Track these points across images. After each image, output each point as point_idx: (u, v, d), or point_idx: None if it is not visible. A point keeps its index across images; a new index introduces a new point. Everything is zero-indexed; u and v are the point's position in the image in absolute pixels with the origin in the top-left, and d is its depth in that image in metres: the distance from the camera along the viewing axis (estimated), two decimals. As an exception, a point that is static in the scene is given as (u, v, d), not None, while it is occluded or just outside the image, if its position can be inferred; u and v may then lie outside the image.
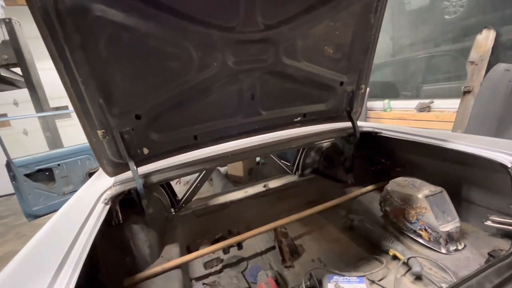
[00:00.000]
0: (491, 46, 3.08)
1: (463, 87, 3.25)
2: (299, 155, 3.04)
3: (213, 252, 2.05)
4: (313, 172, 3.00)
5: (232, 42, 1.58)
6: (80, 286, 0.89)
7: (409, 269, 1.59)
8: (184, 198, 2.74)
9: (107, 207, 1.50)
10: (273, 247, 2.00)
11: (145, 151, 1.75)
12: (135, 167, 1.66)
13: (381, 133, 2.29)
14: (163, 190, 2.46)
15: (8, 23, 4.48)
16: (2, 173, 4.29)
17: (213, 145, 1.96)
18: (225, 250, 2.06)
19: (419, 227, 1.77)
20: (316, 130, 2.29)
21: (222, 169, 5.10)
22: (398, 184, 1.94)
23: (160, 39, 1.42)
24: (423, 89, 5.23)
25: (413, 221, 1.80)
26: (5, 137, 5.27)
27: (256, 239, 2.18)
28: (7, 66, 4.46)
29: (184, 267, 1.82)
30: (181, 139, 1.85)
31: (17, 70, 4.78)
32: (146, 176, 1.77)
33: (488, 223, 1.69)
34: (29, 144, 7.40)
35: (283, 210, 2.41)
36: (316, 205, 2.24)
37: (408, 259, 1.61)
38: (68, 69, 1.25)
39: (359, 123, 2.41)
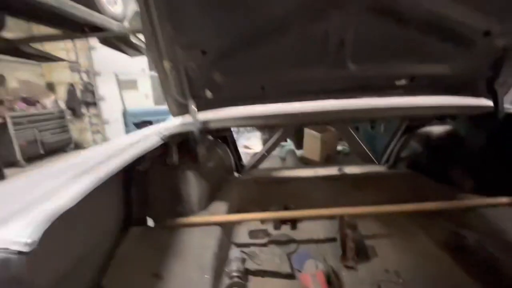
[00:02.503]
0: None
1: None
2: (394, 142, 2.36)
3: (262, 221, 1.81)
4: (410, 166, 2.29)
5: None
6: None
7: None
8: (249, 164, 2.59)
9: (160, 142, 1.45)
10: (334, 239, 1.58)
11: (208, 93, 1.62)
12: (194, 107, 1.56)
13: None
14: (228, 150, 2.37)
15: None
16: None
17: (282, 101, 1.66)
18: (276, 225, 1.79)
19: None
20: (426, 103, 1.65)
21: (298, 152, 4.77)
22: None
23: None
24: None
25: None
26: (132, 98, 6.60)
27: (315, 224, 1.80)
28: (134, 33, 5.35)
29: (227, 228, 1.66)
30: (246, 88, 1.62)
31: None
32: (205, 122, 1.65)
33: None
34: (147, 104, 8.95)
35: (357, 202, 1.90)
36: (408, 204, 1.65)
37: None
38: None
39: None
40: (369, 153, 2.60)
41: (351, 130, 2.39)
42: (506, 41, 1.44)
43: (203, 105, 1.67)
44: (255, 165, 2.59)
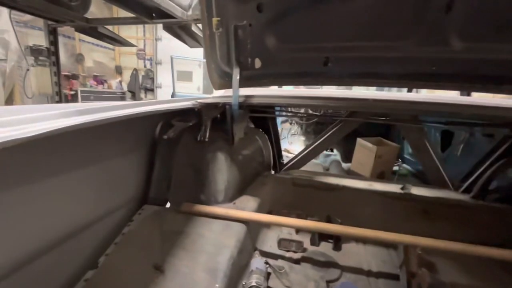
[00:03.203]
0: None
1: None
2: (485, 166, 1.79)
3: (297, 231, 1.46)
4: (506, 200, 1.69)
5: None
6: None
7: None
8: (290, 162, 2.25)
9: (191, 107, 1.23)
10: (396, 277, 1.15)
11: (257, 63, 1.35)
12: (238, 75, 1.30)
13: None
14: (268, 143, 2.07)
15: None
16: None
17: (349, 83, 1.30)
18: (314, 240, 1.41)
19: None
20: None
21: (344, 165, 4.23)
22: None
23: None
24: None
25: None
26: (186, 88, 6.90)
27: (365, 249, 1.38)
28: (196, 22, 5.47)
29: (253, 230, 1.35)
30: (305, 60, 1.31)
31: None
32: (248, 96, 1.38)
33: None
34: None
35: (427, 234, 1.41)
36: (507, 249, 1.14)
37: None
38: None
39: None
40: (442, 173, 2.03)
41: (427, 143, 1.88)
42: None
43: (250, 79, 1.41)
44: (295, 165, 2.23)
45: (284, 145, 5.47)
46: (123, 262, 1.01)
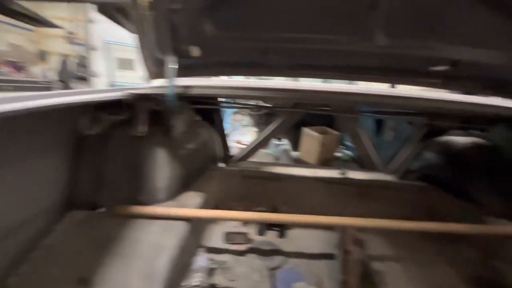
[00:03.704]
0: None
1: None
2: (408, 149, 2.04)
3: (243, 222, 1.46)
4: (424, 178, 1.96)
5: None
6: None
7: None
8: (238, 155, 2.24)
9: (120, 98, 1.11)
10: (332, 256, 1.24)
11: (196, 51, 1.27)
12: (175, 64, 1.21)
13: None
14: (213, 135, 2.01)
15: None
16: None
17: (287, 74, 1.32)
18: (261, 230, 1.44)
19: None
20: (461, 98, 1.33)
21: (293, 154, 4.43)
22: None
23: None
24: None
25: None
26: (127, 78, 6.29)
27: (309, 233, 1.46)
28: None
29: (197, 227, 1.30)
30: (244, 49, 1.28)
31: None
32: (186, 87, 1.30)
33: None
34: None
35: (362, 213, 1.56)
36: (425, 222, 1.32)
37: None
38: None
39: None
40: (373, 158, 2.26)
41: (359, 131, 2.06)
42: None
43: (189, 68, 1.32)
44: (244, 157, 2.23)
45: (236, 136, 5.45)
46: (39, 282, 0.87)
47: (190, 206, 1.33)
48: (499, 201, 1.55)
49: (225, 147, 2.20)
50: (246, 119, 5.63)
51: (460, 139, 1.84)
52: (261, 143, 2.26)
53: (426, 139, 1.99)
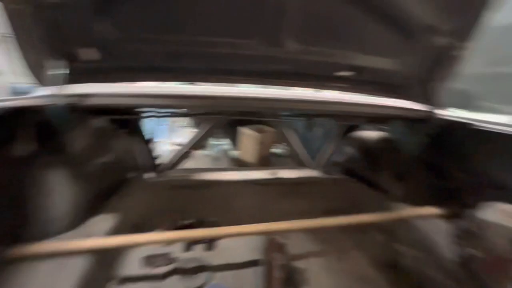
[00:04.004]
0: None
1: None
2: (330, 145, 2.21)
3: (165, 243, 1.35)
4: (346, 172, 2.15)
5: None
6: None
7: None
8: (166, 163, 2.08)
9: None
10: (257, 263, 1.24)
11: (93, 54, 1.09)
12: (63, 70, 1.01)
13: (474, 125, 1.40)
14: (137, 145, 1.81)
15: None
16: None
17: (197, 79, 1.25)
18: (187, 246, 1.35)
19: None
20: (364, 100, 1.47)
21: (234, 153, 4.41)
22: (507, 213, 1.06)
23: None
24: None
25: (532, 291, 0.92)
26: None
27: (237, 241, 1.43)
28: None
29: (106, 256, 1.13)
30: (148, 52, 1.15)
31: None
32: (83, 95, 1.10)
33: None
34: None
35: (289, 211, 1.62)
36: (341, 216, 1.43)
37: None
38: None
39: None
40: (302, 156, 2.39)
41: (285, 129, 2.14)
42: (445, 41, 1.34)
43: (86, 73, 1.13)
44: (174, 165, 2.09)
45: (174, 138, 5.15)
46: None
47: (98, 233, 1.15)
48: (400, 188, 1.80)
49: (150, 155, 2.02)
50: (184, 119, 5.37)
51: (370, 134, 2.06)
52: (193, 148, 2.15)
53: (346, 134, 2.19)
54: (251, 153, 3.81)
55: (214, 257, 1.31)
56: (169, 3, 1.05)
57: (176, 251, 1.31)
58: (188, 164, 2.81)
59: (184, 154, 2.15)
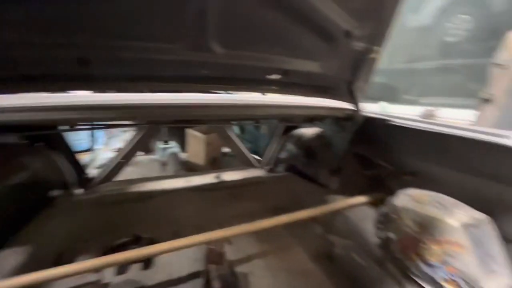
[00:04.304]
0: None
1: (482, 94, 2.67)
2: (273, 143, 2.27)
3: (95, 270, 1.21)
4: (289, 169, 2.24)
5: None
6: None
7: None
8: (98, 176, 1.88)
9: None
10: (198, 275, 1.21)
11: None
12: None
13: (390, 121, 1.57)
14: (57, 160, 1.59)
15: None
16: None
17: (117, 87, 1.14)
18: (121, 268, 1.24)
19: (443, 275, 1.04)
20: (296, 102, 1.54)
21: (182, 156, 4.24)
22: (415, 199, 1.22)
23: None
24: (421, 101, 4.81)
25: (433, 263, 1.07)
26: None
27: (178, 255, 1.37)
28: None
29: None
30: (57, 60, 1.01)
31: None
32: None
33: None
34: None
35: (235, 215, 1.63)
36: (283, 214, 1.49)
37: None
38: None
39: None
40: (248, 156, 2.41)
41: (227, 130, 2.13)
42: (362, 46, 1.47)
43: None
44: (108, 177, 1.90)
45: (116, 144, 4.72)
46: None
47: (6, 272, 0.98)
48: (336, 181, 1.94)
49: (78, 169, 1.80)
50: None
51: (308, 131, 2.18)
52: (126, 157, 1.98)
53: (287, 133, 2.27)
54: (199, 155, 3.71)
55: (152, 276, 1.23)
56: (84, 5, 0.93)
57: (108, 275, 1.19)
58: (130, 172, 2.61)
59: (119, 164, 1.97)
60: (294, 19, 1.23)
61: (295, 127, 2.30)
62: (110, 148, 4.18)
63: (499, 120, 2.50)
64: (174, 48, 1.12)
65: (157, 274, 1.25)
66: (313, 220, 1.60)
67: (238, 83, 1.34)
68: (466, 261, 0.98)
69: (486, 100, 2.65)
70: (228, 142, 2.24)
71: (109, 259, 1.11)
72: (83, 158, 3.24)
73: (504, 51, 2.59)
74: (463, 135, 1.24)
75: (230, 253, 1.34)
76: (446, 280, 1.04)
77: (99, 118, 1.15)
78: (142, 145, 1.99)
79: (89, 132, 3.94)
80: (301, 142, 2.10)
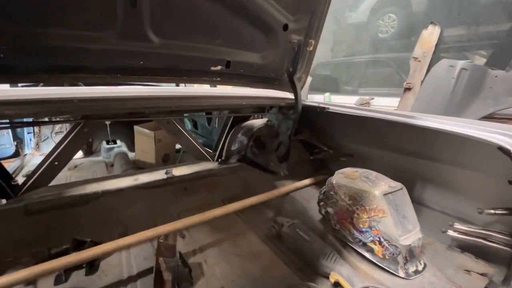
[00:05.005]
0: (435, 42, 3.01)
1: (405, 84, 3.09)
2: (224, 136, 2.29)
3: (26, 283, 1.10)
4: (241, 160, 2.29)
5: None
6: None
7: (359, 306, 1.01)
8: (26, 182, 1.67)
9: None
10: (150, 271, 1.19)
11: None
12: None
13: (328, 108, 1.73)
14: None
15: None
16: None
17: (42, 80, 1.04)
18: (60, 276, 1.15)
19: (371, 238, 1.21)
20: (242, 93, 1.58)
21: (131, 155, 3.97)
22: (347, 176, 1.38)
23: None
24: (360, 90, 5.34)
25: (363, 229, 1.24)
26: None
27: (128, 253, 1.32)
28: None
29: None
30: None
31: None
32: None
33: (450, 233, 1.26)
34: None
35: (188, 208, 1.62)
36: (235, 202, 1.54)
37: (358, 290, 1.03)
38: None
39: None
40: (201, 149, 2.40)
41: (176, 123, 2.08)
42: (299, 38, 1.57)
43: None
44: (39, 183, 1.70)
45: (49, 149, 4.19)
46: None
47: None
48: (284, 167, 2.06)
49: (2, 176, 1.58)
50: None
51: (257, 122, 2.26)
52: (59, 159, 1.78)
53: (238, 124, 2.31)
54: (149, 153, 3.52)
55: (98, 280, 1.16)
56: None
57: (47, 285, 1.09)
58: (69, 177, 2.40)
59: (53, 167, 1.77)
60: (232, 10, 1.26)
61: (246, 119, 2.35)
62: (42, 153, 3.71)
63: (414, 105, 2.94)
64: (104, 36, 1.05)
65: (104, 277, 1.18)
66: (265, 204, 1.69)
67: (180, 75, 1.31)
68: (387, 223, 1.16)
69: (407, 89, 3.07)
70: (179, 137, 2.19)
71: (43, 267, 1.03)
72: (8, 165, 2.83)
73: (418, 46, 3.03)
74: (384, 118, 1.44)
75: (183, 246, 1.35)
76: (373, 242, 1.21)
77: (15, 114, 1.02)
78: (78, 144, 1.82)
79: (11, 135, 3.43)
80: (251, 133, 2.17)
